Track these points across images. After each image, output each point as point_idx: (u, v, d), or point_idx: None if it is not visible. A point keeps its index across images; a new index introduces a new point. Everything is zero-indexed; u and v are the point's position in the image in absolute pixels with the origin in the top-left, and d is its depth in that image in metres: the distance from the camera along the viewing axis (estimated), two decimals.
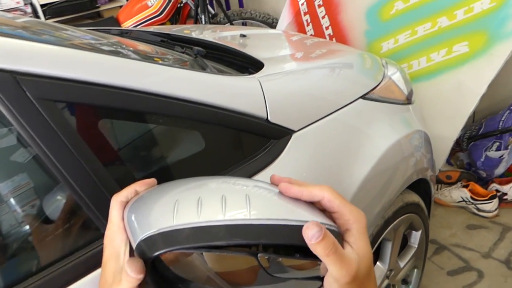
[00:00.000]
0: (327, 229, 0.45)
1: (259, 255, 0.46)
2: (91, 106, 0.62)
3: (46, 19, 3.39)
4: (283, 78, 0.99)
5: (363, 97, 1.15)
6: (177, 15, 3.30)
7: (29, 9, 3.32)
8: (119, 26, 3.03)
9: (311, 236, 0.43)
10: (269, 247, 0.48)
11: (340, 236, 0.48)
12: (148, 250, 0.44)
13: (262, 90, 0.86)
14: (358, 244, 0.46)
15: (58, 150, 0.56)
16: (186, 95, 0.71)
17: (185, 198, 0.49)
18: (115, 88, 0.62)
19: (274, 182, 0.53)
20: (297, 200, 0.50)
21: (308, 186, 0.48)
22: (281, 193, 0.51)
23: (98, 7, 3.70)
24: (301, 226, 0.45)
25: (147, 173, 0.69)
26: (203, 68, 0.90)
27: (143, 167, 0.70)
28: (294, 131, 0.91)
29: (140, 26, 3.03)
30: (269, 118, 0.85)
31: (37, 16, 3.34)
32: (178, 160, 0.74)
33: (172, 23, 3.24)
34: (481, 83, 1.89)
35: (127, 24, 3.01)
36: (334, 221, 0.49)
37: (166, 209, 0.47)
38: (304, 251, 0.46)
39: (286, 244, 0.45)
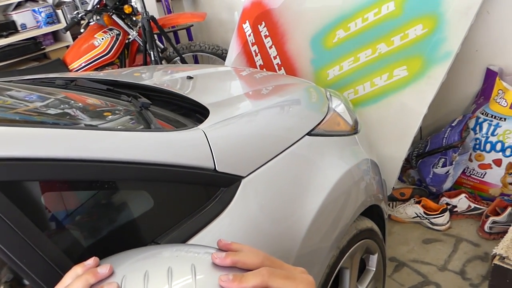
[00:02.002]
0: None
1: None
2: (34, 181, 0.62)
3: None
4: (229, 125, 1.01)
5: (310, 133, 1.19)
6: (126, 51, 3.29)
7: None
8: (66, 67, 2.98)
9: None
10: None
11: None
12: None
13: (208, 141, 0.88)
14: None
15: (1, 232, 0.56)
16: (130, 157, 0.72)
17: (132, 273, 0.50)
18: (57, 161, 0.63)
19: (219, 247, 0.55)
20: None
21: (248, 281, 0.47)
22: None
23: (44, 48, 3.63)
24: None
25: (97, 239, 0.69)
26: (147, 123, 0.92)
27: (92, 235, 0.69)
28: (243, 177, 0.93)
29: (88, 66, 3.00)
30: (216, 168, 0.87)
31: None
32: (127, 222, 0.74)
33: (121, 60, 3.23)
34: (422, 103, 2.00)
35: (75, 66, 2.98)
36: None
37: None
38: None
39: None
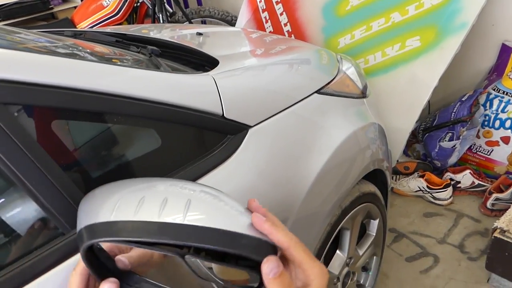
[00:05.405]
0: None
1: (186, 256, 0.48)
2: (44, 107, 0.62)
3: None
4: (239, 74, 1.00)
5: (318, 91, 1.18)
6: (134, 15, 3.25)
7: None
8: (74, 27, 2.96)
9: (270, 271, 0.42)
10: (201, 251, 0.49)
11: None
12: (86, 238, 0.48)
13: (217, 87, 0.87)
14: None
15: (13, 154, 0.56)
16: (140, 94, 0.71)
17: (129, 196, 0.51)
18: (68, 89, 0.62)
19: (250, 208, 0.52)
20: (242, 211, 0.51)
21: (278, 231, 0.47)
22: (226, 199, 0.52)
23: (52, 8, 3.58)
24: (235, 234, 0.47)
25: (104, 172, 0.69)
26: (157, 67, 0.91)
27: (100, 167, 0.69)
28: (250, 126, 0.93)
29: (96, 27, 2.97)
30: (224, 115, 0.86)
31: None
32: (134, 158, 0.74)
33: (129, 23, 3.19)
34: (433, 76, 1.97)
35: (83, 25, 2.95)
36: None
37: (109, 205, 0.50)
38: (235, 259, 0.49)
39: (216, 249, 0.46)
